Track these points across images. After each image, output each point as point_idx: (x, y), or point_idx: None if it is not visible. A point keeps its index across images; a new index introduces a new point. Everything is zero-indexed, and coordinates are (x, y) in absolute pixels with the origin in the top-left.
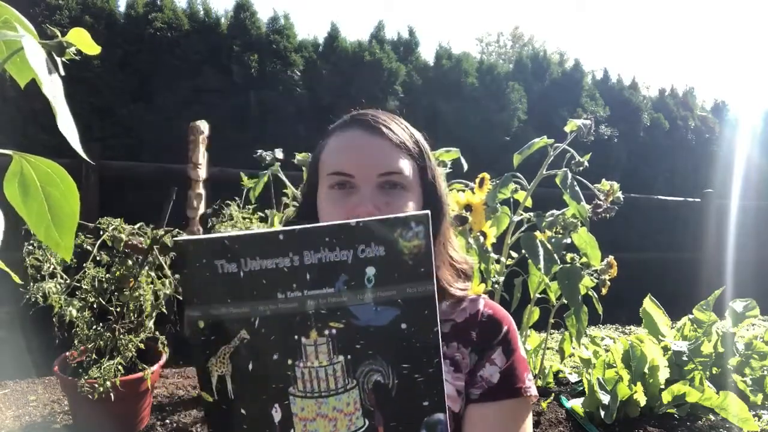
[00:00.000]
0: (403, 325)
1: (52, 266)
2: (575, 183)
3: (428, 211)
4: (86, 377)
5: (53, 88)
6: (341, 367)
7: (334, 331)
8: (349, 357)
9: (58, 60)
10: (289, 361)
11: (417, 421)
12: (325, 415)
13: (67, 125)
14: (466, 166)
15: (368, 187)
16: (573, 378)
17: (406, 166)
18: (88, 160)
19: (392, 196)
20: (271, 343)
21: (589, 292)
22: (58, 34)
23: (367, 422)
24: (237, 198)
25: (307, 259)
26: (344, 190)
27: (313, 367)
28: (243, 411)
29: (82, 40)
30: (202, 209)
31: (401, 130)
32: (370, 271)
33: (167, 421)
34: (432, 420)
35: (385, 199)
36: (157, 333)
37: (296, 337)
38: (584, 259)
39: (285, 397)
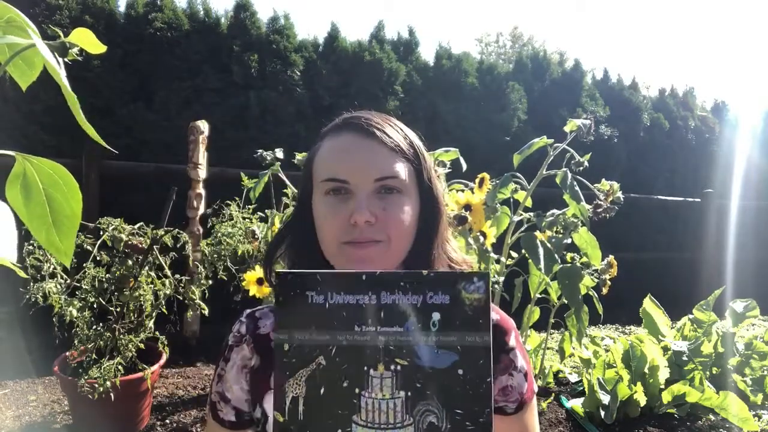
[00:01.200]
0: (460, 371)
1: (52, 266)
2: (575, 183)
3: (489, 271)
4: (86, 377)
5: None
6: (401, 403)
7: (399, 367)
8: (409, 394)
9: (60, 60)
10: (357, 390)
11: None
12: None
13: (84, 121)
14: (465, 166)
15: (364, 193)
16: (573, 378)
17: (401, 169)
18: (110, 149)
19: (388, 201)
20: (343, 371)
21: (590, 292)
22: (61, 34)
23: None
24: (237, 198)
25: (384, 299)
26: (340, 196)
27: (377, 399)
28: None
29: (86, 40)
30: (202, 209)
31: (395, 132)
32: (436, 316)
33: (167, 421)
34: None
35: (382, 204)
36: (157, 333)
37: (365, 368)
38: (584, 259)
39: (348, 425)
